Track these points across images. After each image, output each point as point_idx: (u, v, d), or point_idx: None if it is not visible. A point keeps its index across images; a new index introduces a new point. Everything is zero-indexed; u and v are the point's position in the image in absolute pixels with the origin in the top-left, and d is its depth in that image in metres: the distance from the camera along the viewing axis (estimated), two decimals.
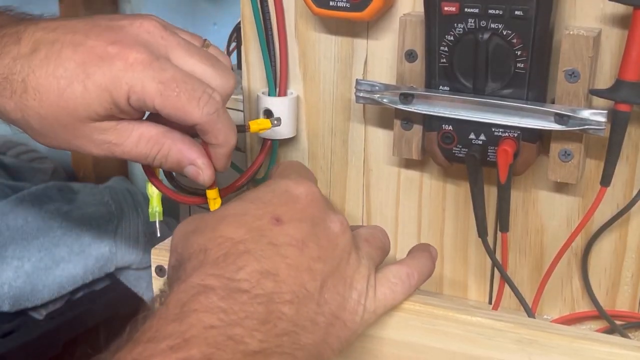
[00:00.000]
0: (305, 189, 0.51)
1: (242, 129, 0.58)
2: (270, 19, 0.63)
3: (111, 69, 0.50)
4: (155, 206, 0.60)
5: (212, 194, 0.58)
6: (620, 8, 0.54)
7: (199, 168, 0.54)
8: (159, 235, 0.60)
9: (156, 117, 0.53)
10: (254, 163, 0.65)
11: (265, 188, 0.51)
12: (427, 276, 0.56)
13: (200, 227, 0.49)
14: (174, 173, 0.60)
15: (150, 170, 0.58)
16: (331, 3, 0.59)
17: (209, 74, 0.53)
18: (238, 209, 0.50)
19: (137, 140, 0.53)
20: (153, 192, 0.60)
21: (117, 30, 0.52)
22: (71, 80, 0.50)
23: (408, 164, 0.64)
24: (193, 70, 0.52)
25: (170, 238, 0.54)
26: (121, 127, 0.52)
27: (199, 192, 0.60)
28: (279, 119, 0.62)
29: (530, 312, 0.60)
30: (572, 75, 0.53)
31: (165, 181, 0.60)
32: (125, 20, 0.53)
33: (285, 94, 0.65)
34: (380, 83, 0.59)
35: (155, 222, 0.61)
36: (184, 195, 0.60)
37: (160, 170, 0.59)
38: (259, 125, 0.60)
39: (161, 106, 0.51)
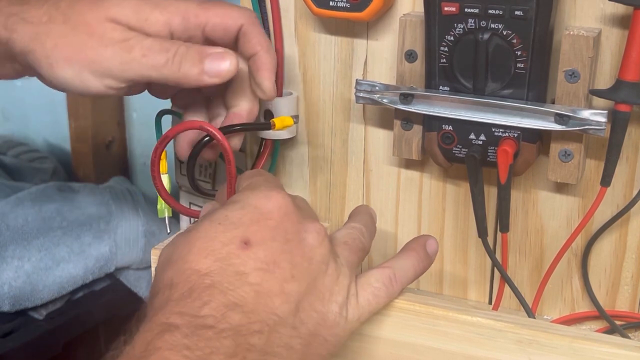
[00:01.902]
0: (276, 201, 0.49)
1: (267, 126, 0.59)
2: (268, 19, 0.63)
3: None
4: (164, 202, 0.60)
5: (280, 123, 0.60)
6: (620, 8, 0.54)
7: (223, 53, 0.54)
8: (169, 231, 0.60)
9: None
10: (257, 165, 0.65)
11: (234, 205, 0.49)
12: (414, 277, 0.54)
13: (173, 256, 0.48)
14: (195, 176, 0.60)
15: (156, 170, 0.57)
16: (331, 3, 0.59)
17: None
18: (208, 231, 0.48)
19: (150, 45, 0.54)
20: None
21: None
22: None
23: (408, 164, 0.64)
24: None
25: (170, 238, 0.53)
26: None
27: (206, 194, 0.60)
28: (297, 117, 0.63)
29: (530, 313, 0.60)
30: (572, 76, 0.53)
31: (169, 181, 0.59)
32: None
33: (281, 94, 0.65)
34: (380, 83, 0.59)
35: (164, 218, 0.60)
36: (179, 203, 0.61)
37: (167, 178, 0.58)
38: (282, 122, 0.60)
39: (206, 16, 0.54)
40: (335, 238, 0.52)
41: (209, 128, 0.54)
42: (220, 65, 0.53)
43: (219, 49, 0.54)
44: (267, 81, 0.56)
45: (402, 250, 0.56)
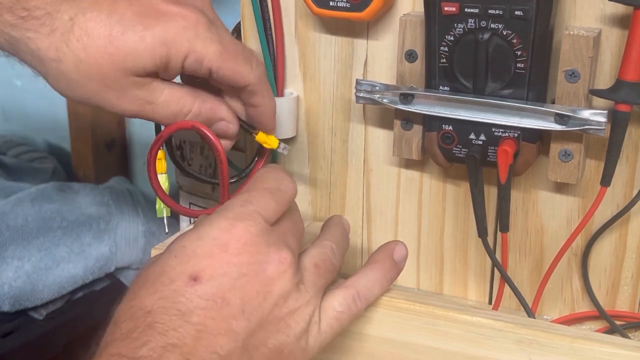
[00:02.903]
0: (236, 232, 0.47)
1: (250, 132, 0.58)
2: (270, 19, 0.63)
3: (174, 25, 0.50)
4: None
5: (263, 137, 0.59)
6: (620, 8, 0.54)
7: (229, 122, 0.55)
8: (167, 231, 0.60)
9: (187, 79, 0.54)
10: (256, 166, 0.64)
11: (194, 235, 0.48)
12: (380, 292, 0.53)
13: (131, 288, 0.47)
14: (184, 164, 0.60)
15: (152, 170, 0.58)
16: (331, 3, 0.59)
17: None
18: (162, 265, 0.47)
19: (169, 99, 0.53)
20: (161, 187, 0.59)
21: None
22: (126, 29, 0.49)
23: (408, 164, 0.64)
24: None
25: (170, 238, 0.53)
26: (155, 85, 0.52)
27: (206, 188, 0.60)
28: (286, 147, 0.61)
29: (530, 312, 0.60)
30: (572, 75, 0.53)
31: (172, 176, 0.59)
32: None
33: (282, 94, 0.65)
34: (380, 83, 0.59)
35: (163, 218, 0.60)
36: (177, 203, 0.60)
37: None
38: (266, 138, 0.59)
39: (218, 67, 0.52)
40: (306, 259, 0.51)
41: (200, 128, 0.54)
42: (227, 132, 0.56)
43: (228, 116, 0.55)
44: (269, 125, 0.58)
45: (367, 263, 0.54)
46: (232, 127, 0.56)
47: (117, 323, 0.45)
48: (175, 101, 0.53)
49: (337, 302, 0.50)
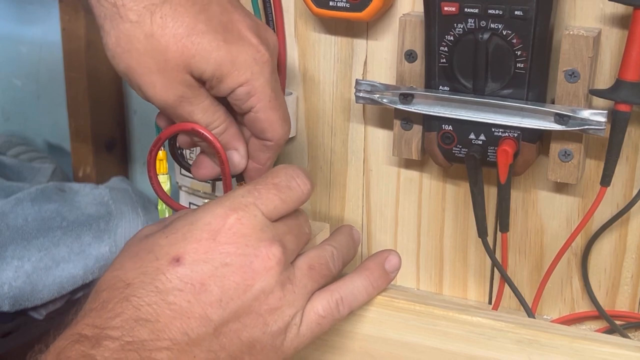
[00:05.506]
0: (229, 222, 0.47)
1: (239, 178, 0.58)
2: (273, 19, 0.63)
3: (248, 53, 0.51)
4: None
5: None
6: (620, 8, 0.54)
7: (240, 157, 0.56)
8: None
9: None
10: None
11: (187, 219, 0.48)
12: (366, 299, 0.53)
13: (117, 259, 0.48)
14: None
15: (152, 170, 0.58)
16: (331, 3, 0.59)
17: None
18: (152, 242, 0.48)
19: (208, 108, 0.53)
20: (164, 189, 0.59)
21: (257, 24, 0.53)
22: (209, 31, 0.50)
23: (408, 164, 0.64)
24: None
25: None
26: (202, 91, 0.52)
27: (206, 187, 0.59)
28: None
29: (530, 312, 0.60)
30: (572, 75, 0.53)
31: (171, 179, 0.59)
32: (260, 21, 0.54)
33: (284, 94, 0.65)
34: (380, 83, 0.59)
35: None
36: (177, 203, 0.60)
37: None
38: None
39: (259, 109, 0.52)
40: (301, 260, 0.50)
41: (200, 130, 0.54)
42: (235, 164, 0.56)
43: (242, 149, 0.56)
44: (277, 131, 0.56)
45: (357, 269, 0.54)
46: (242, 162, 0.56)
47: (97, 292, 0.46)
48: (212, 112, 0.53)
49: (321, 306, 0.50)
